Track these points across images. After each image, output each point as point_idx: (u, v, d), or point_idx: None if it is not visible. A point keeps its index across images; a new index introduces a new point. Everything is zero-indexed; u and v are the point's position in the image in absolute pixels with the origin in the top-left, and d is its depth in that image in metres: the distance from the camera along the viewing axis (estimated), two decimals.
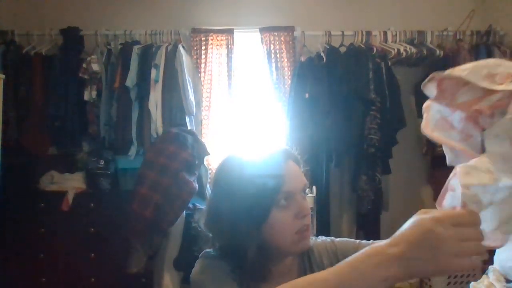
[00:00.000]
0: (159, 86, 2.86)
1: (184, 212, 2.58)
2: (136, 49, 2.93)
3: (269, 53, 3.11)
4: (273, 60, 3.11)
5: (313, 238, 1.04)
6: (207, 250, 0.97)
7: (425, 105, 0.72)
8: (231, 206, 0.89)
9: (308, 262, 0.99)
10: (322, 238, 1.05)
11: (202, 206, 2.69)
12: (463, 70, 0.65)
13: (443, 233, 0.54)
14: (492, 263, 0.92)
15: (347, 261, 0.61)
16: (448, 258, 0.54)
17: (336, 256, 0.97)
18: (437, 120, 0.70)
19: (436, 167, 3.07)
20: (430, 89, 0.68)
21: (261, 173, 0.89)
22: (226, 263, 0.89)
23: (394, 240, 0.58)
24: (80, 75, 2.90)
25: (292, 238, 0.89)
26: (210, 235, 0.97)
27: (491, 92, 0.61)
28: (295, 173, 0.93)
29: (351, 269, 0.59)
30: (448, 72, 0.66)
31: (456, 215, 0.56)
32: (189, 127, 2.86)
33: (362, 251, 0.60)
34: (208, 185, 2.89)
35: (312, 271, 0.96)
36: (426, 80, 0.67)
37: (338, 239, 1.04)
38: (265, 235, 0.89)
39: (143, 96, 2.88)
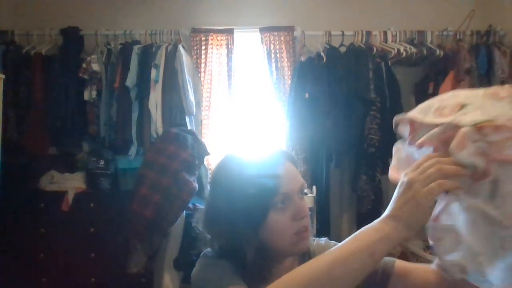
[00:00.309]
0: (159, 86, 2.86)
1: (184, 212, 2.58)
2: (136, 49, 2.93)
3: (269, 53, 3.11)
4: (273, 60, 3.11)
5: (316, 239, 1.04)
6: (208, 250, 0.97)
7: (394, 148, 0.75)
8: (228, 208, 0.89)
9: None
10: (325, 240, 1.04)
11: (202, 206, 2.68)
12: (417, 108, 0.69)
13: (409, 177, 0.64)
14: None
15: (347, 238, 0.69)
16: (422, 192, 0.62)
17: None
18: (403, 159, 0.73)
19: None
20: (402, 131, 0.72)
21: (258, 175, 0.88)
22: (228, 262, 0.89)
23: (390, 207, 0.68)
24: (80, 75, 2.90)
25: (291, 240, 0.88)
26: (208, 236, 0.97)
27: (436, 125, 0.64)
28: (292, 174, 0.93)
29: (352, 240, 0.68)
30: (406, 114, 0.71)
31: (415, 165, 0.66)
32: (189, 127, 2.86)
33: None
34: (208, 186, 2.89)
35: None
36: (394, 125, 0.73)
37: None
38: (263, 237, 0.88)
39: (143, 96, 2.88)
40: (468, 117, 0.60)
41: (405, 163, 0.71)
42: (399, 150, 0.73)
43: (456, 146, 0.57)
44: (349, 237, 0.69)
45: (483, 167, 0.58)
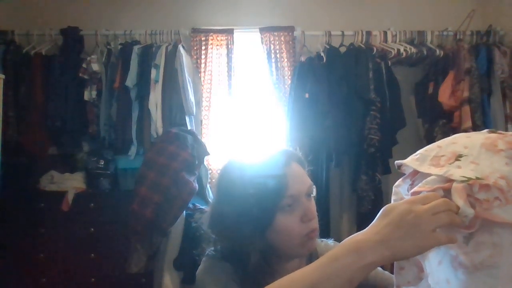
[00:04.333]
0: (159, 86, 2.86)
1: (184, 212, 2.58)
2: (136, 49, 2.92)
3: (269, 53, 3.11)
4: (273, 60, 3.11)
5: (324, 240, 1.03)
6: (211, 249, 0.96)
7: (393, 191, 0.73)
8: (235, 211, 0.88)
9: None
10: (333, 241, 1.04)
11: (202, 206, 2.69)
12: (418, 153, 0.68)
13: (418, 210, 0.57)
14: None
15: (328, 255, 0.61)
16: (426, 234, 0.56)
17: None
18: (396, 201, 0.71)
19: None
20: (404, 170, 0.71)
21: (264, 178, 0.87)
22: (230, 264, 0.88)
23: (372, 229, 0.60)
24: (80, 75, 2.90)
25: (300, 241, 0.88)
26: (213, 236, 0.96)
27: (429, 175, 0.63)
28: (299, 175, 0.91)
29: (332, 261, 0.59)
30: (405, 160, 0.69)
31: (423, 196, 0.60)
32: (189, 127, 2.86)
33: (342, 243, 0.62)
34: (208, 186, 2.89)
35: None
36: (397, 166, 0.72)
37: None
38: (271, 239, 0.88)
39: (143, 96, 2.88)
40: (460, 171, 0.59)
41: None
42: (397, 193, 0.72)
43: (464, 201, 0.56)
44: (326, 254, 0.61)
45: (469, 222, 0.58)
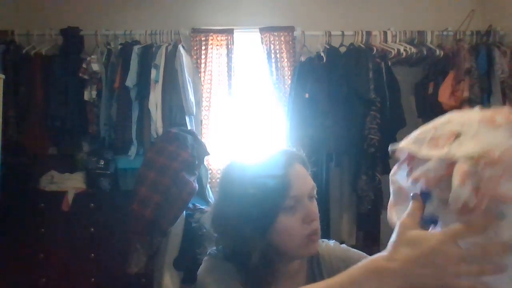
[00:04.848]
0: (159, 86, 2.86)
1: (184, 212, 2.58)
2: (136, 49, 2.92)
3: (269, 53, 3.11)
4: (273, 60, 3.11)
5: (325, 241, 1.03)
6: (213, 249, 0.96)
7: (390, 181, 0.69)
8: (236, 211, 0.88)
9: (317, 267, 0.99)
10: (334, 242, 1.04)
11: (202, 206, 2.69)
12: (413, 136, 0.64)
13: (451, 254, 0.54)
14: None
15: (348, 274, 0.60)
16: (451, 277, 0.54)
17: (348, 266, 0.96)
18: (398, 192, 0.67)
19: None
20: (399, 155, 0.67)
21: (266, 178, 0.87)
22: (232, 264, 0.89)
23: (393, 254, 0.57)
24: (80, 75, 2.90)
25: (301, 242, 0.88)
26: (215, 234, 0.96)
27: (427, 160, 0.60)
28: (302, 176, 0.92)
29: (352, 283, 0.59)
30: (401, 143, 0.65)
31: (457, 230, 0.55)
32: (189, 127, 2.86)
33: (361, 264, 0.60)
34: (208, 186, 2.89)
35: (322, 277, 0.95)
36: (390, 152, 0.67)
37: (353, 249, 1.03)
38: (272, 239, 0.88)
39: (143, 96, 2.88)
40: (462, 149, 0.56)
41: (400, 197, 0.67)
42: (394, 182, 0.68)
43: (461, 182, 0.53)
44: (344, 273, 0.61)
45: (474, 203, 0.54)
